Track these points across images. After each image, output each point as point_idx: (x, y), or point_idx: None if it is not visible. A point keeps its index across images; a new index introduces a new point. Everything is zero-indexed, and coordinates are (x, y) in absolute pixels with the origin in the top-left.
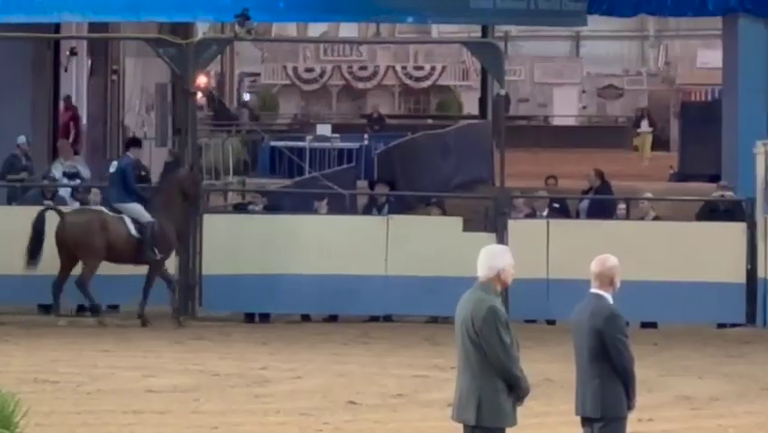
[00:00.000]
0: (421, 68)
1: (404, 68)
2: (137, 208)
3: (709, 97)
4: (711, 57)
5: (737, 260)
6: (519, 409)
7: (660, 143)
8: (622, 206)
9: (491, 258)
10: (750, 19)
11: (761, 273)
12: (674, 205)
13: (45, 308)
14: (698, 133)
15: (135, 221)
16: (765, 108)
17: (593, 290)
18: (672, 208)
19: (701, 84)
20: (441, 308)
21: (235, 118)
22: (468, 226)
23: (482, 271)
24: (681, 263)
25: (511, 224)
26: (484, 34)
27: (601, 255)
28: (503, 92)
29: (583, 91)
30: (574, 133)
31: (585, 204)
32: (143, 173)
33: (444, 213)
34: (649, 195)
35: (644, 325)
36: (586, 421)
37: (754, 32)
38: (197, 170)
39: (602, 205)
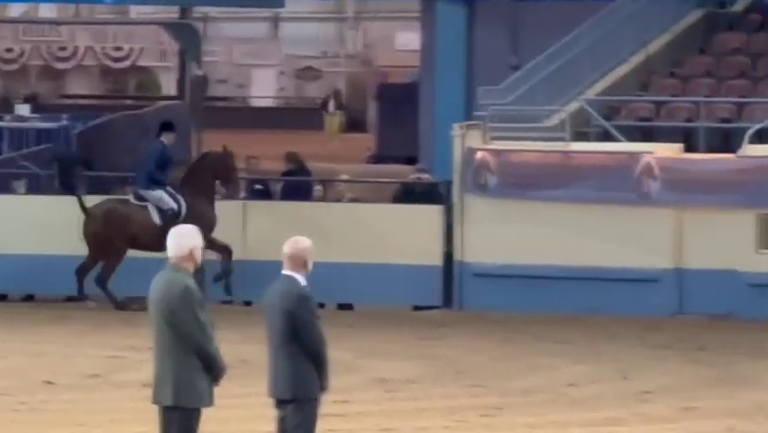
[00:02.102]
0: (120, 48)
1: (103, 48)
2: (159, 195)
3: (408, 80)
4: (410, 39)
5: (434, 242)
6: (216, 390)
7: (358, 125)
8: (318, 187)
9: (182, 238)
10: (448, 2)
11: (457, 256)
12: (371, 187)
13: None
14: (395, 115)
15: (159, 209)
16: (463, 91)
17: (285, 272)
18: (369, 190)
19: (400, 66)
20: (137, 288)
21: None
22: None
23: (174, 252)
24: (377, 245)
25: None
26: (183, 15)
27: (294, 237)
28: (200, 73)
29: (282, 72)
30: (273, 115)
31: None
32: None
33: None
34: (345, 177)
35: (341, 306)
36: (279, 403)
37: (452, 15)
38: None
39: (298, 186)
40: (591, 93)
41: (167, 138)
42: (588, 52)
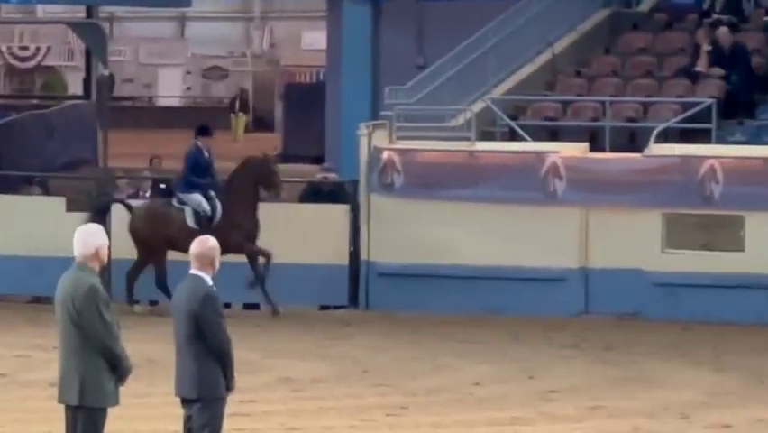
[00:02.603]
0: (26, 48)
1: (9, 48)
2: (196, 199)
3: (314, 79)
4: (317, 39)
5: (340, 242)
6: (122, 390)
7: (264, 124)
8: None
9: (88, 236)
10: (354, 2)
11: (363, 255)
12: None
13: None
14: (301, 114)
15: (196, 212)
16: (369, 91)
17: (192, 272)
18: None
19: (307, 66)
20: (44, 287)
21: None
22: (71, 207)
23: (80, 251)
24: (284, 245)
25: (115, 205)
26: (89, 15)
27: (201, 236)
28: (107, 72)
29: (188, 72)
30: (179, 114)
31: None
32: None
33: (47, 193)
34: None
35: (247, 306)
36: (185, 402)
37: (357, 15)
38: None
39: None
40: (497, 92)
41: (201, 141)
42: (493, 52)
